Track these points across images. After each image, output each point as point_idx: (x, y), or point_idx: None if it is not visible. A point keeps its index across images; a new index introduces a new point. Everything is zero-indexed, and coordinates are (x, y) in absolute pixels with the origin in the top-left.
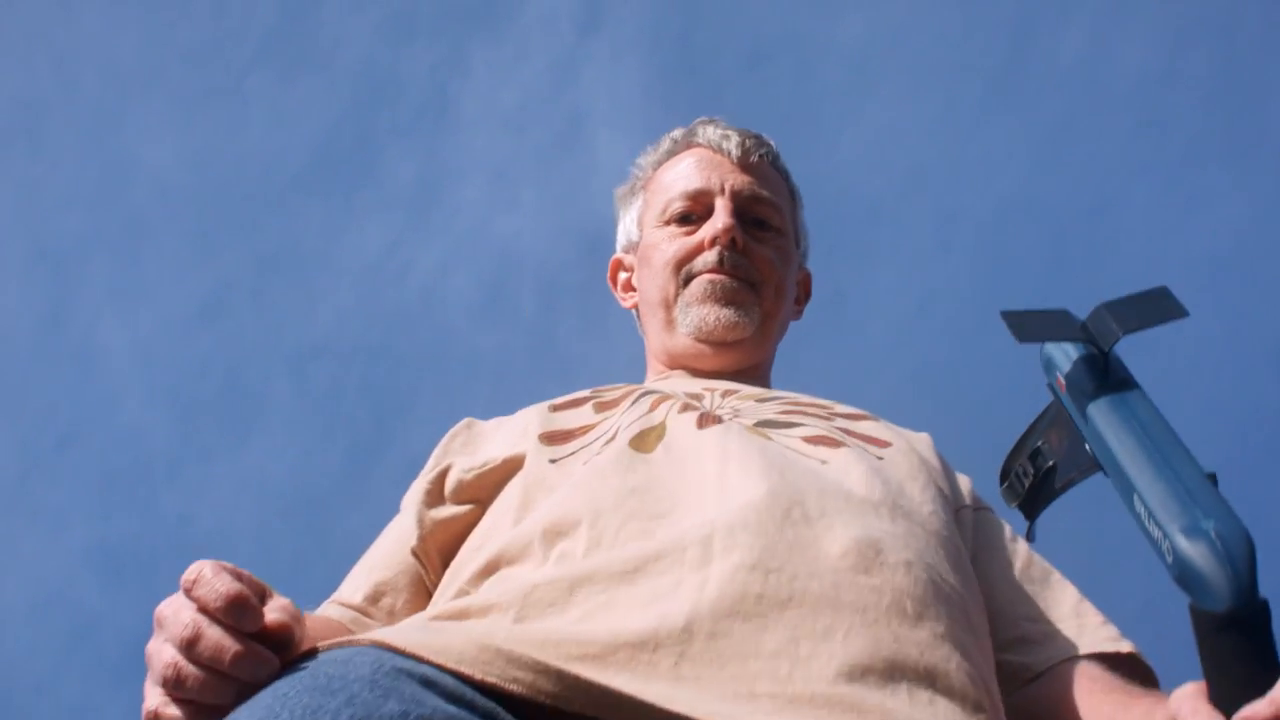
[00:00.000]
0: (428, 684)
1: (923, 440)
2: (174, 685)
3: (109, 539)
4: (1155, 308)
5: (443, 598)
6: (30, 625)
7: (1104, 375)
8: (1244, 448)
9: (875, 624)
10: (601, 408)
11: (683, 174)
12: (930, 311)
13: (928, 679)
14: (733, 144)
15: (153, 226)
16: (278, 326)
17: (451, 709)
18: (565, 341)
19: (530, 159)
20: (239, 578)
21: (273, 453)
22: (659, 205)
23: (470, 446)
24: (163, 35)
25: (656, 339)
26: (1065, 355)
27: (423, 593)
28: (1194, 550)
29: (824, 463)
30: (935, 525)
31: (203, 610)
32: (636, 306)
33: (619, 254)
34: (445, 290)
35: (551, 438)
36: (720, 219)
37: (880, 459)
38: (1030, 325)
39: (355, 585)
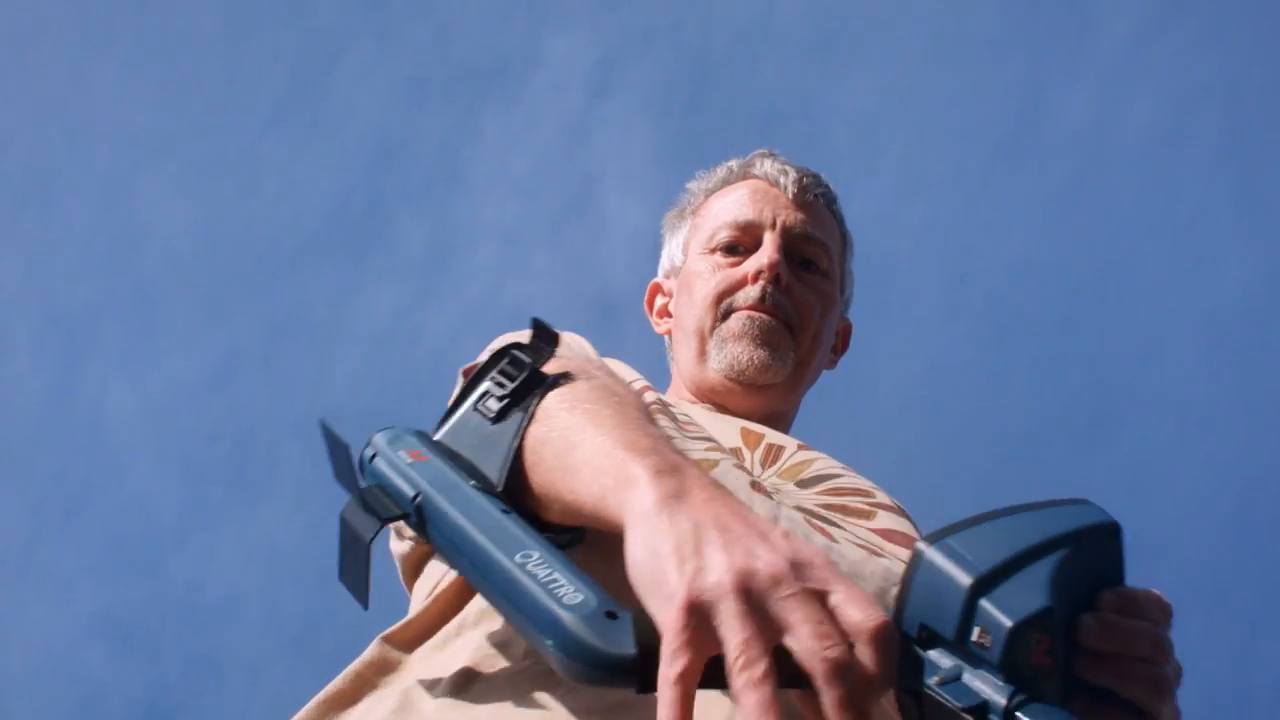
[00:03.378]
0: None
1: None
2: None
3: (116, 606)
4: (342, 460)
5: None
6: (37, 693)
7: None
8: (1255, 509)
9: None
10: (657, 414)
11: (734, 204)
12: (939, 374)
13: None
14: (790, 180)
15: (163, 293)
16: (288, 392)
17: None
18: None
19: (541, 223)
20: None
21: (282, 519)
22: (706, 232)
23: None
24: (175, 102)
25: (687, 369)
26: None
27: None
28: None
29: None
30: None
31: None
32: (670, 333)
33: (659, 279)
34: (456, 355)
35: None
36: (767, 254)
37: None
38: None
39: None
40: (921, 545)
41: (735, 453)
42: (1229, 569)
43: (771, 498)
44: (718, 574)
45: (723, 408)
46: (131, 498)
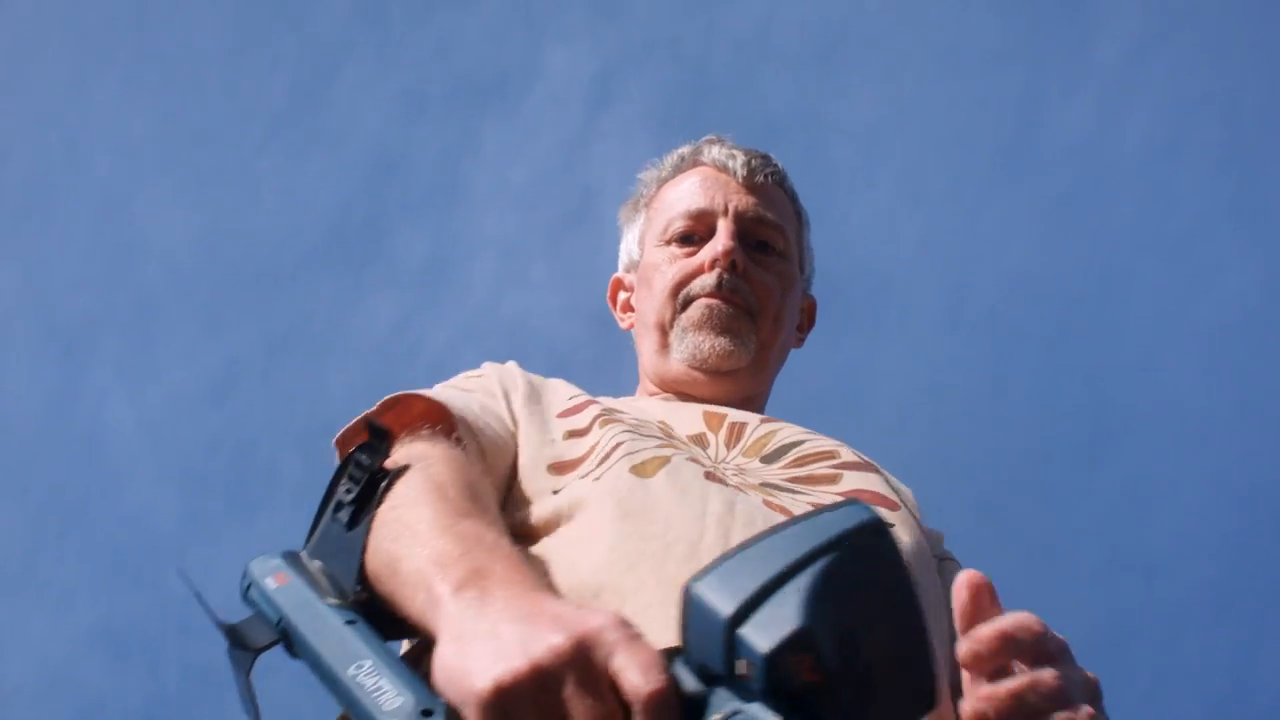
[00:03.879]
0: None
1: (910, 498)
2: None
3: (115, 619)
4: (204, 605)
5: None
6: (36, 706)
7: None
8: (1257, 522)
9: None
10: (606, 423)
11: (686, 193)
12: (939, 386)
13: None
14: (738, 163)
15: (162, 304)
16: (287, 405)
17: None
18: None
19: (541, 236)
20: None
21: (281, 531)
22: (661, 224)
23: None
24: (174, 114)
25: (650, 362)
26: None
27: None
28: None
29: None
30: (939, 610)
31: None
32: (633, 327)
33: (620, 273)
34: (455, 368)
35: (559, 468)
36: (721, 241)
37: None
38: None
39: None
40: (689, 583)
41: (699, 438)
42: (1231, 582)
43: (728, 483)
44: (508, 673)
45: (689, 397)
46: (130, 509)
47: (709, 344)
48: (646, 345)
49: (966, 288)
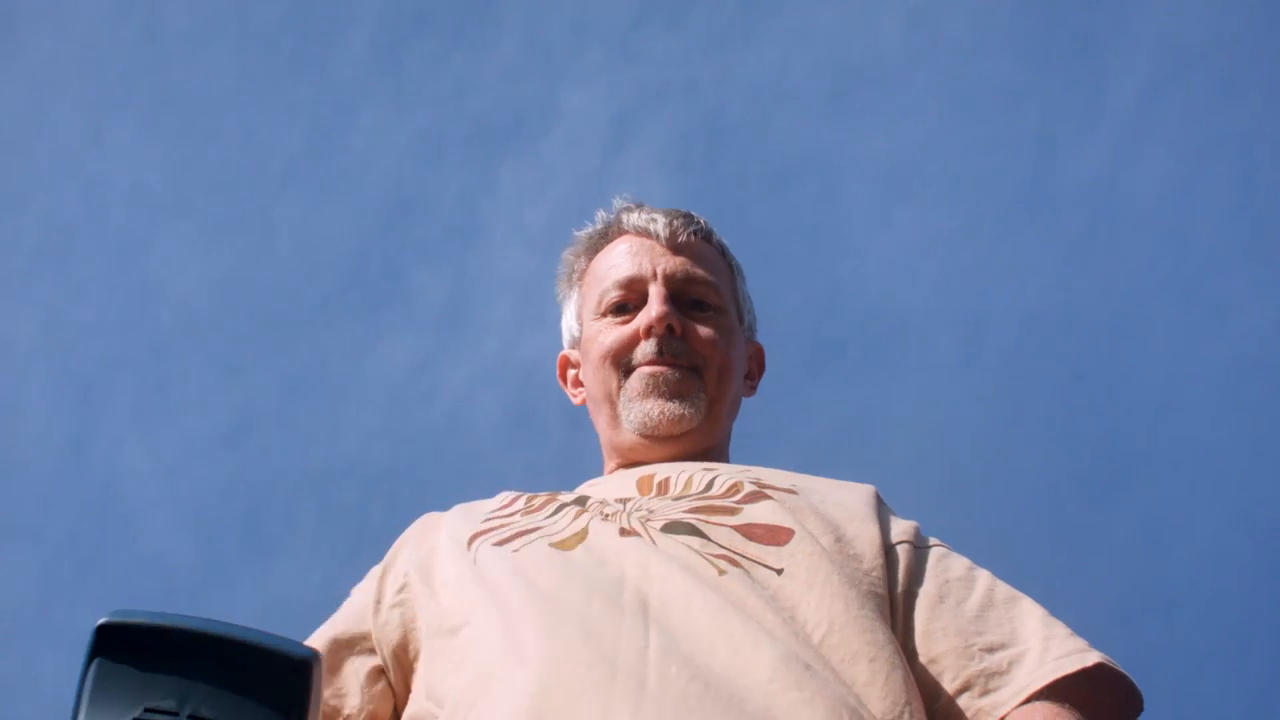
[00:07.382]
0: None
1: (857, 498)
2: None
3: None
4: None
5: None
6: None
7: None
8: (1275, 560)
9: None
10: (526, 514)
11: (614, 263)
12: (956, 425)
13: None
14: (660, 226)
15: (178, 350)
16: (303, 449)
17: None
18: (592, 462)
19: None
20: None
21: (297, 576)
22: (594, 297)
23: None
24: (190, 161)
25: (604, 435)
26: None
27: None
28: None
29: (722, 572)
30: (837, 642)
31: None
32: (585, 403)
33: (565, 350)
34: (472, 411)
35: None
36: (654, 307)
37: (779, 572)
38: None
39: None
40: None
41: (623, 500)
42: (1252, 621)
43: (641, 535)
44: None
45: (645, 464)
46: (146, 554)
47: (658, 410)
48: (600, 419)
49: (983, 327)
